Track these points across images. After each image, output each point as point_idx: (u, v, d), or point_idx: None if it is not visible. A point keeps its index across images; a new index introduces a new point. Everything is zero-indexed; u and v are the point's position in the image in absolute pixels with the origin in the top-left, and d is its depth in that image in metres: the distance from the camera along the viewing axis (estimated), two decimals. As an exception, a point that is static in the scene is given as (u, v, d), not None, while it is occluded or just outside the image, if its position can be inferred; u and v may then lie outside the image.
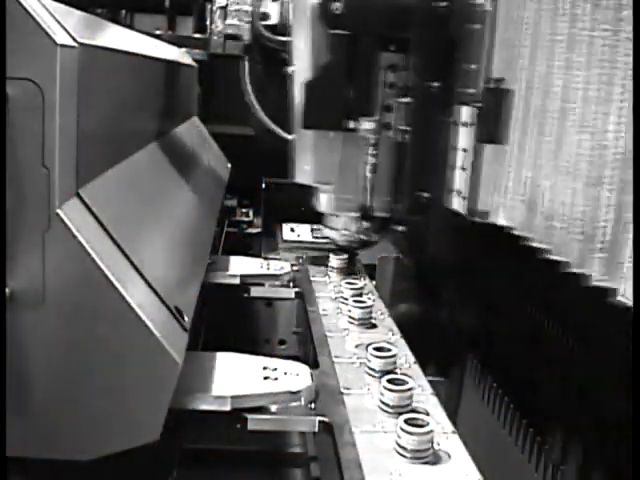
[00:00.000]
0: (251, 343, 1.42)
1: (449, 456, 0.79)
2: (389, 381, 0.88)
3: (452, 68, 1.10)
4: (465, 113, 1.03)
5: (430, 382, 0.98)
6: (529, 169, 0.87)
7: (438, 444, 0.80)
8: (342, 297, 1.26)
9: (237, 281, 1.30)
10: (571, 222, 0.78)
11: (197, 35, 2.25)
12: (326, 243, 1.80)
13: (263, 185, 2.06)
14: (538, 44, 0.85)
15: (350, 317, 1.17)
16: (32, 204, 0.62)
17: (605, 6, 0.72)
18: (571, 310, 1.05)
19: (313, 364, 1.00)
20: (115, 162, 0.82)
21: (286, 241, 1.83)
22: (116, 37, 0.91)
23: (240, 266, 1.34)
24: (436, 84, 1.13)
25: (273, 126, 1.64)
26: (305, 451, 1.21)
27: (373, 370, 0.97)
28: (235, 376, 0.86)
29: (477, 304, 1.39)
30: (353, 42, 1.22)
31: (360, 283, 1.31)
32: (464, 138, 1.03)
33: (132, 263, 0.70)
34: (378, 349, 0.99)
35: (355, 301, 1.19)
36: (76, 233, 0.63)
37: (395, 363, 0.98)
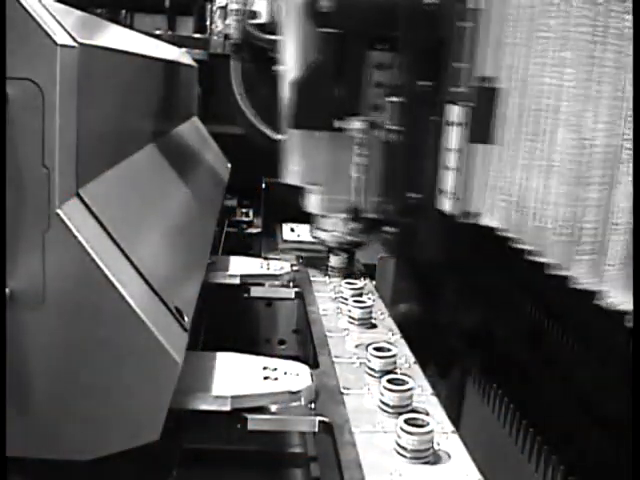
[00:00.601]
0: (251, 343, 1.42)
1: (449, 456, 0.79)
2: (389, 381, 0.88)
3: (441, 67, 1.09)
4: (455, 113, 1.02)
5: (430, 382, 0.98)
6: (518, 169, 0.87)
7: (438, 444, 0.80)
8: (342, 297, 1.26)
9: (237, 281, 1.30)
10: (557, 223, 0.78)
11: (197, 35, 2.25)
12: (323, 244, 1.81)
13: (263, 185, 2.06)
14: (526, 42, 0.85)
15: (350, 317, 1.17)
16: (32, 204, 0.62)
17: (592, 2, 0.72)
18: (567, 310, 1.05)
19: (313, 364, 1.00)
20: (115, 162, 0.82)
21: (286, 241, 1.83)
22: (116, 37, 0.91)
23: (240, 266, 1.34)
24: (425, 83, 1.12)
25: (262, 126, 1.62)
26: (305, 451, 1.21)
27: (373, 370, 0.97)
28: (235, 376, 0.87)
29: (469, 305, 1.38)
30: (341, 40, 1.21)
31: (360, 283, 1.31)
32: (454, 138, 1.02)
33: (132, 263, 0.70)
34: (378, 349, 0.99)
35: (355, 301, 1.18)
36: (76, 233, 0.63)
37: (395, 363, 0.98)
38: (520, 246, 0.85)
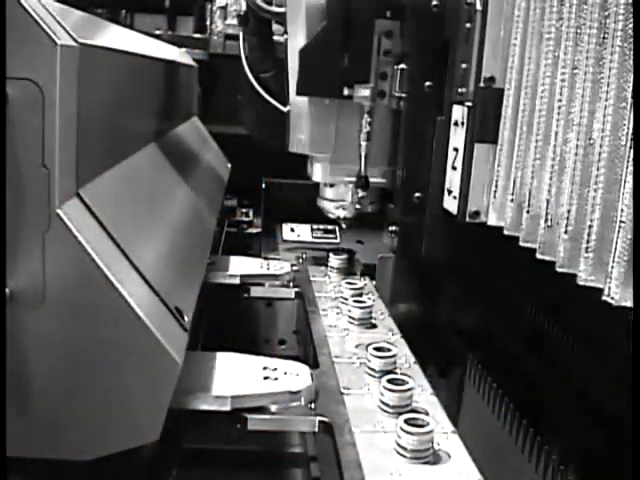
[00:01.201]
0: (251, 343, 1.42)
1: (449, 456, 0.79)
2: (389, 381, 0.88)
3: (445, 67, 1.10)
4: (458, 112, 1.02)
5: (430, 382, 0.98)
6: (518, 168, 0.87)
7: (438, 444, 0.80)
8: (342, 297, 1.26)
9: (237, 281, 1.30)
10: (558, 221, 0.78)
11: (197, 35, 2.25)
12: (326, 243, 1.81)
13: (263, 185, 2.06)
14: (528, 42, 0.85)
15: (350, 317, 1.17)
16: (32, 204, 0.62)
17: (592, 3, 0.72)
18: (568, 310, 1.05)
19: (313, 364, 1.00)
20: (115, 162, 0.82)
21: (286, 241, 1.83)
22: (116, 37, 0.91)
23: (240, 266, 1.34)
24: (429, 83, 1.13)
25: (269, 98, 1.61)
26: (305, 451, 1.21)
27: (373, 370, 0.97)
28: (235, 376, 0.86)
29: (472, 304, 1.38)
30: (348, 7, 1.20)
31: (360, 283, 1.31)
32: (457, 137, 1.03)
33: (132, 263, 0.70)
34: (378, 349, 0.99)
35: (355, 301, 1.18)
36: (76, 233, 0.63)
37: (395, 363, 0.98)
38: (526, 245, 0.85)
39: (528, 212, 0.84)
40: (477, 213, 0.97)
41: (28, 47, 0.60)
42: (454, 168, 1.03)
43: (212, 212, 1.36)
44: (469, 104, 0.98)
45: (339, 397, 0.92)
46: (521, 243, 0.85)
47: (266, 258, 1.48)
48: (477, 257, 1.27)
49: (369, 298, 1.26)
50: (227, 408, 0.81)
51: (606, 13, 0.70)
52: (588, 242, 0.71)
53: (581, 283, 0.73)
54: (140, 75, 1.03)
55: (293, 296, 1.38)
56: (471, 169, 0.97)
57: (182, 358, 0.68)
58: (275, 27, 1.52)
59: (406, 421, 0.78)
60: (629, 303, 0.66)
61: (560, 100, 0.78)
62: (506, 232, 0.89)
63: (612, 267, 0.66)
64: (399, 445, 0.78)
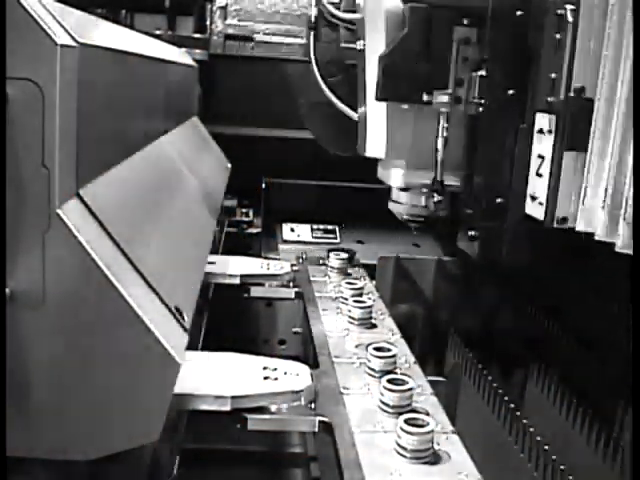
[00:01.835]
0: (251, 343, 1.42)
1: (449, 456, 0.79)
2: (389, 381, 0.88)
3: (527, 75, 1.10)
4: (543, 120, 1.03)
5: (430, 382, 0.98)
6: (610, 176, 0.88)
7: (438, 444, 0.80)
8: (342, 297, 1.26)
9: (237, 281, 1.30)
10: None
11: (197, 35, 2.25)
12: (326, 243, 1.81)
13: (263, 185, 2.06)
14: (619, 54, 0.87)
15: (350, 317, 1.17)
16: (32, 204, 0.62)
17: None
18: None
19: (313, 364, 1.00)
20: (115, 162, 0.82)
21: (286, 241, 1.83)
22: (116, 37, 0.91)
23: (240, 266, 1.34)
24: (512, 92, 1.13)
25: (339, 103, 1.61)
26: (305, 451, 1.21)
27: (373, 370, 0.97)
28: (235, 376, 0.86)
29: (549, 310, 1.39)
30: (428, 15, 1.23)
31: (360, 283, 1.31)
32: (542, 145, 1.03)
33: (132, 263, 0.70)
34: (378, 349, 0.99)
35: (355, 301, 1.19)
36: (76, 233, 0.63)
37: (395, 363, 0.98)
38: (622, 251, 0.86)
39: (616, 218, 0.86)
40: (565, 219, 0.98)
41: (28, 47, 0.60)
42: (539, 175, 1.04)
43: (212, 212, 1.36)
44: (557, 113, 0.99)
45: (339, 397, 0.92)
46: (617, 249, 0.86)
47: (266, 258, 1.48)
48: (560, 260, 1.27)
49: (369, 298, 1.26)
50: (227, 408, 0.81)
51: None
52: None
53: None
54: (140, 75, 1.03)
55: (293, 296, 1.38)
56: (559, 176, 0.98)
57: (182, 358, 0.68)
58: (342, 32, 1.56)
59: (406, 421, 0.78)
60: None
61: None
62: (597, 238, 0.90)
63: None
64: (399, 445, 0.78)
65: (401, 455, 0.77)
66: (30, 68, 0.60)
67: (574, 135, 0.94)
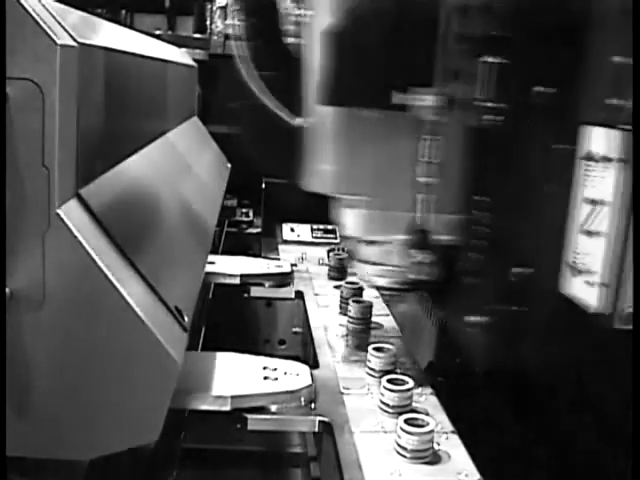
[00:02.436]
0: (251, 343, 1.42)
1: (449, 456, 0.79)
2: (389, 381, 0.88)
3: (576, 66, 0.68)
4: (600, 140, 0.63)
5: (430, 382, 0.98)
6: None
7: (438, 444, 0.80)
8: (342, 297, 1.26)
9: (237, 281, 1.30)
10: None
11: (197, 35, 2.25)
12: (326, 243, 1.81)
13: (263, 185, 2.06)
14: None
15: (350, 317, 1.17)
16: (32, 204, 0.62)
17: None
18: None
19: (313, 364, 1.00)
20: (115, 162, 0.82)
21: (286, 241, 1.83)
22: (116, 37, 0.91)
23: (240, 266, 1.34)
24: (541, 89, 0.70)
25: (275, 108, 1.16)
26: (305, 451, 1.21)
27: (373, 370, 0.97)
28: (235, 376, 0.86)
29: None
30: None
31: (360, 283, 1.31)
32: (596, 182, 0.63)
33: (132, 263, 0.70)
34: (378, 349, 0.99)
35: (355, 301, 1.18)
36: (76, 233, 0.63)
37: (395, 363, 0.98)
38: None
39: None
40: (629, 314, 0.61)
41: (28, 47, 0.60)
42: (589, 233, 0.64)
43: (212, 212, 1.36)
44: (626, 128, 0.60)
45: (339, 397, 0.92)
46: None
47: (266, 258, 1.48)
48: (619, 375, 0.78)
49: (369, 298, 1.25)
50: (227, 408, 0.81)
51: None
52: None
53: None
54: (140, 75, 1.03)
55: (293, 296, 1.38)
56: (628, 237, 0.60)
57: (182, 358, 0.68)
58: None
59: (406, 421, 0.78)
60: None
61: None
62: None
63: None
64: (399, 445, 0.78)
65: (401, 455, 0.77)
66: (30, 68, 0.60)
67: None
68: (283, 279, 1.35)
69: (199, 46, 2.12)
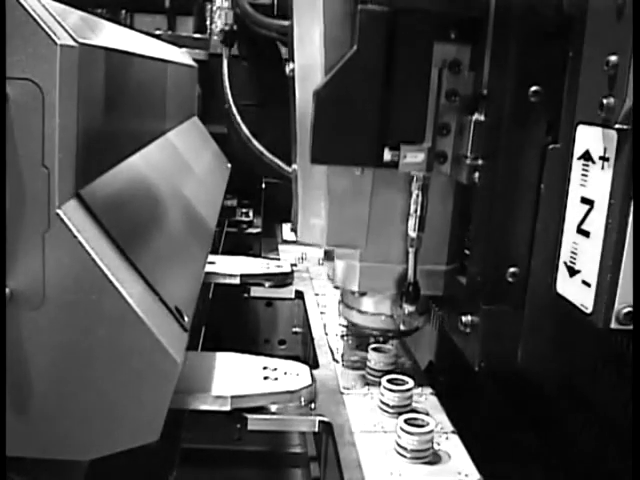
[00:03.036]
0: (251, 343, 1.42)
1: (449, 456, 0.79)
2: (389, 381, 0.88)
3: (567, 63, 0.70)
4: (595, 139, 0.62)
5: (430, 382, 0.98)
6: None
7: (438, 444, 0.80)
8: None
9: (237, 281, 1.30)
10: None
11: (197, 35, 2.25)
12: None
13: (263, 185, 2.06)
14: None
15: (350, 317, 1.17)
16: (32, 204, 0.62)
17: None
18: None
19: (313, 364, 1.00)
20: (115, 162, 0.82)
21: (286, 241, 1.83)
22: (116, 37, 0.91)
23: (240, 266, 1.34)
24: (536, 89, 0.73)
25: (265, 152, 1.12)
26: (305, 451, 1.21)
27: (373, 370, 0.97)
28: (235, 376, 0.87)
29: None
30: (390, 24, 0.76)
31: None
32: (591, 182, 0.64)
33: (132, 263, 0.70)
34: (378, 349, 0.99)
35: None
36: (76, 233, 0.63)
37: (395, 363, 0.98)
38: None
39: None
40: (628, 315, 0.61)
41: (28, 47, 0.60)
42: (584, 233, 0.64)
43: (212, 212, 1.36)
44: (621, 127, 0.59)
45: (339, 397, 0.92)
46: None
47: (266, 258, 1.48)
48: (612, 377, 0.83)
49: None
50: (227, 408, 0.81)
51: None
52: None
53: None
54: (140, 75, 1.03)
55: (293, 296, 1.38)
56: (620, 239, 0.60)
57: (182, 358, 0.68)
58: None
59: (406, 421, 0.78)
60: None
61: None
62: None
63: None
64: (399, 445, 0.78)
65: (401, 455, 0.77)
66: (30, 68, 0.60)
67: None
68: (283, 279, 1.35)
69: (199, 46, 2.12)
